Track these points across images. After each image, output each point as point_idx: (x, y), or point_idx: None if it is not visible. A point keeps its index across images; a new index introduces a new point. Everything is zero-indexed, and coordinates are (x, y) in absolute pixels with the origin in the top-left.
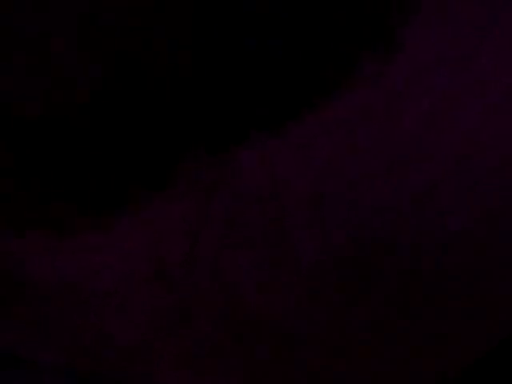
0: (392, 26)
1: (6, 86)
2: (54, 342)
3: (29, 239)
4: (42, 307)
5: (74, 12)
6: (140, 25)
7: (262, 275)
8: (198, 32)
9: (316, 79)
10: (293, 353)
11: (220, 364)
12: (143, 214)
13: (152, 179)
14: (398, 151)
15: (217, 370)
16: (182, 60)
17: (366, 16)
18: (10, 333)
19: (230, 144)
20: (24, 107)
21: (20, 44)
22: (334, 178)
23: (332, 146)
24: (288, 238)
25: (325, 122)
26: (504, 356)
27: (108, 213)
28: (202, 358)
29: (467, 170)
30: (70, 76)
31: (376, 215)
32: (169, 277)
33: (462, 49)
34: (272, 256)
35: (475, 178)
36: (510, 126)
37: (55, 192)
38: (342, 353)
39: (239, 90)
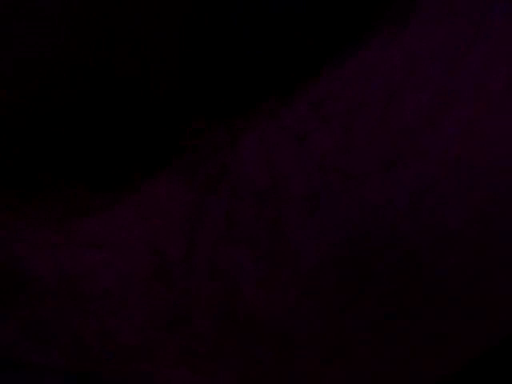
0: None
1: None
2: (53, 342)
3: (28, 237)
4: (41, 307)
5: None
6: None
7: (260, 274)
8: None
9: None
10: (293, 353)
11: (220, 364)
12: (143, 212)
13: (151, 163)
14: (395, 149)
15: (216, 369)
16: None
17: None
18: (9, 333)
19: (232, 120)
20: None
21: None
22: (331, 175)
23: (330, 143)
24: (286, 237)
25: (323, 117)
26: (504, 356)
27: (110, 196)
28: (202, 357)
29: (466, 168)
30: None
31: (374, 213)
32: (168, 276)
33: (458, 44)
34: (271, 254)
35: (474, 177)
36: (509, 124)
37: (58, 175)
38: (342, 353)
39: (241, 62)
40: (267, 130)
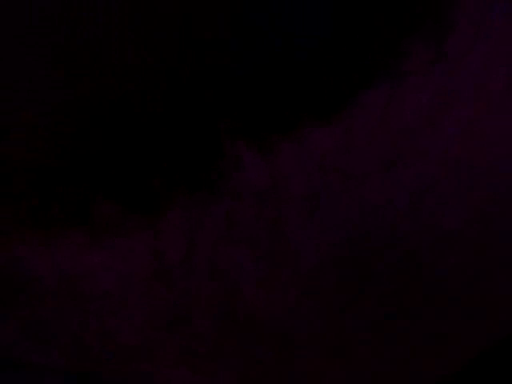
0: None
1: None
2: (53, 342)
3: (28, 240)
4: (41, 307)
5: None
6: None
7: (260, 274)
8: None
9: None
10: (293, 353)
11: (220, 364)
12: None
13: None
14: (395, 149)
15: (216, 369)
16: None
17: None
18: (9, 333)
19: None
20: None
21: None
22: (331, 175)
23: (330, 143)
24: (286, 237)
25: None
26: (504, 356)
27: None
28: (202, 357)
29: (466, 168)
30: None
31: (374, 213)
32: (168, 276)
33: (458, 45)
34: (271, 254)
35: (474, 177)
36: (509, 124)
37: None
38: (342, 353)
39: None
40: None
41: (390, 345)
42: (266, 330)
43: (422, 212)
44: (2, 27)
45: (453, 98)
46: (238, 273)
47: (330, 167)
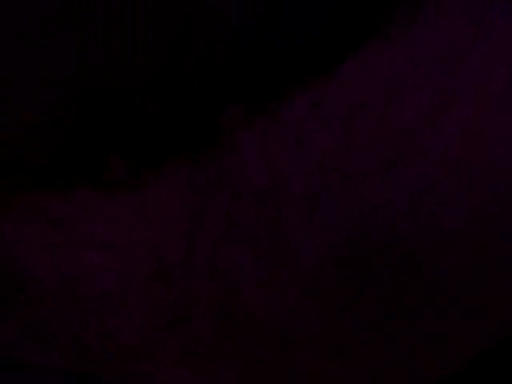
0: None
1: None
2: (53, 342)
3: (28, 237)
4: (41, 307)
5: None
6: None
7: (260, 274)
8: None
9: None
10: (293, 353)
11: (220, 364)
12: (143, 213)
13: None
14: (395, 149)
15: (216, 369)
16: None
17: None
18: (9, 333)
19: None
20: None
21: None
22: (331, 175)
23: (330, 143)
24: (286, 237)
25: (323, 117)
26: (504, 356)
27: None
28: (202, 357)
29: (466, 168)
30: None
31: (374, 213)
32: (168, 276)
33: (458, 44)
34: (271, 254)
35: (474, 177)
36: (509, 124)
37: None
38: (342, 353)
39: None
40: (267, 130)
41: (389, 345)
42: (266, 330)
43: (421, 212)
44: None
45: (453, 97)
46: (238, 273)
47: (330, 167)
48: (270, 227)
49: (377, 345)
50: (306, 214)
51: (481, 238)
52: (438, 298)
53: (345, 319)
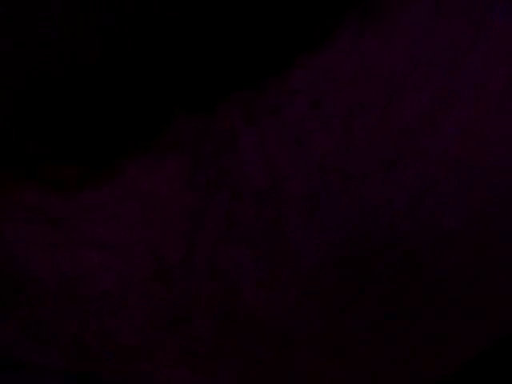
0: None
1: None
2: (53, 342)
3: (28, 237)
4: (41, 307)
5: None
6: None
7: (260, 274)
8: None
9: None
10: (293, 353)
11: (220, 364)
12: (142, 213)
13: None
14: (395, 149)
15: (216, 369)
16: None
17: None
18: (9, 333)
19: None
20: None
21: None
22: (331, 175)
23: (330, 143)
24: (286, 237)
25: (324, 117)
26: (504, 356)
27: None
28: (202, 357)
29: (466, 168)
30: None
31: (374, 213)
32: (168, 276)
33: (458, 44)
34: (271, 254)
35: (474, 177)
36: (509, 124)
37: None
38: (342, 353)
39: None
40: (267, 130)
41: (389, 345)
42: (266, 329)
43: (421, 212)
44: None
45: (453, 97)
46: (238, 273)
47: (330, 167)
48: (269, 227)
49: (377, 345)
50: (306, 213)
51: (481, 238)
52: (438, 298)
53: (345, 319)
